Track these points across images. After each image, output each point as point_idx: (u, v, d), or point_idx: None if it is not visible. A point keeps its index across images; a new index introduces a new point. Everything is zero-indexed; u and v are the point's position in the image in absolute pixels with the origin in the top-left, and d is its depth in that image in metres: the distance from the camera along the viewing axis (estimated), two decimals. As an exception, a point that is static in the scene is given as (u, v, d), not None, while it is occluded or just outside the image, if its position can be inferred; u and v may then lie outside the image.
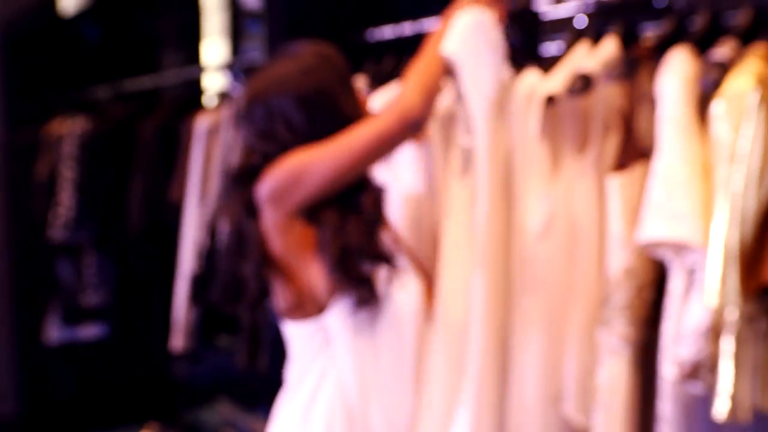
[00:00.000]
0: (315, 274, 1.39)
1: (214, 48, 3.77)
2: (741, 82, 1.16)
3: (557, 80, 1.43)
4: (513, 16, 1.55)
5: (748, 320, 1.17)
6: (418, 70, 1.39)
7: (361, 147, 1.35)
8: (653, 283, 1.32)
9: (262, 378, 2.32)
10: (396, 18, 2.10)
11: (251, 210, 1.39)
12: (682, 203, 1.15)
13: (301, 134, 1.38)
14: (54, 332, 3.55)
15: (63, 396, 4.08)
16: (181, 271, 2.56)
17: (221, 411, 3.56)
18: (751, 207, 1.14)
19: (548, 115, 1.44)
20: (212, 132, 2.51)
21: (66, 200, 3.16)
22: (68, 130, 3.21)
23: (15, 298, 3.98)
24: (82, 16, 3.63)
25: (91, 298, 3.27)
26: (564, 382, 1.41)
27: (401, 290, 1.41)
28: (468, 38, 1.39)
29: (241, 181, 1.42)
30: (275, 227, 1.38)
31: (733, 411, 1.19)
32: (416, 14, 2.03)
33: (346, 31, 2.18)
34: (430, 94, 1.36)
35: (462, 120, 1.46)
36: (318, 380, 1.42)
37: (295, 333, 1.46)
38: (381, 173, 1.55)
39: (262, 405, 2.29)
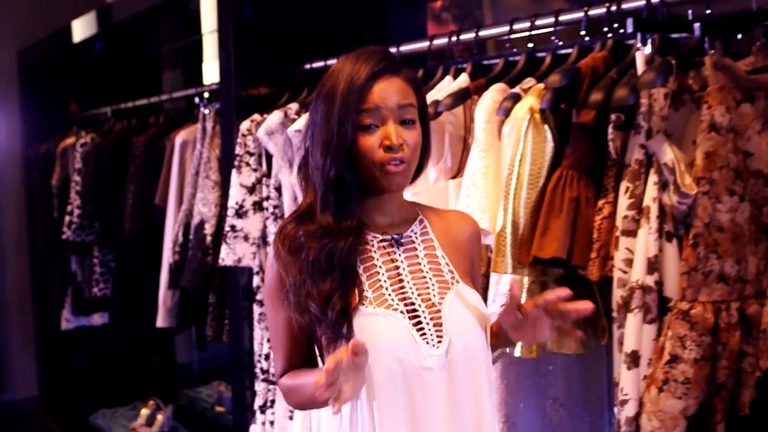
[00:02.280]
0: None
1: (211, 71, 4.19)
2: (520, 110, 1.59)
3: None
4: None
5: (531, 283, 1.60)
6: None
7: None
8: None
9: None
10: (334, 52, 2.53)
11: None
12: (477, 201, 1.59)
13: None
14: (67, 321, 4.05)
15: (76, 378, 4.59)
16: (163, 263, 3.03)
17: (215, 391, 3.99)
18: (526, 203, 1.57)
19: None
20: (187, 146, 2.98)
21: (75, 204, 3.66)
22: (76, 143, 3.72)
23: (34, 291, 4.52)
24: (91, 43, 4.07)
25: (98, 289, 3.74)
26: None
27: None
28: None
29: None
30: None
31: (526, 350, 1.62)
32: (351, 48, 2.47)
33: (289, 63, 2.64)
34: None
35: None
36: None
37: None
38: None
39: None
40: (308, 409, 1.32)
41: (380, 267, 1.28)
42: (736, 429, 1.47)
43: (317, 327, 1.24)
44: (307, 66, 2.59)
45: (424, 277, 1.29)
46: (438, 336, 1.23)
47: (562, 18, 1.76)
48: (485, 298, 1.64)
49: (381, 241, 1.30)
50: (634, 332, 1.46)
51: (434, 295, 1.26)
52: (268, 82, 2.67)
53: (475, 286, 1.35)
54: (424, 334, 1.23)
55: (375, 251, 1.29)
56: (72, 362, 4.60)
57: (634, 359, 1.46)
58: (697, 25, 1.39)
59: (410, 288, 1.27)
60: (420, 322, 1.24)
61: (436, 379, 1.22)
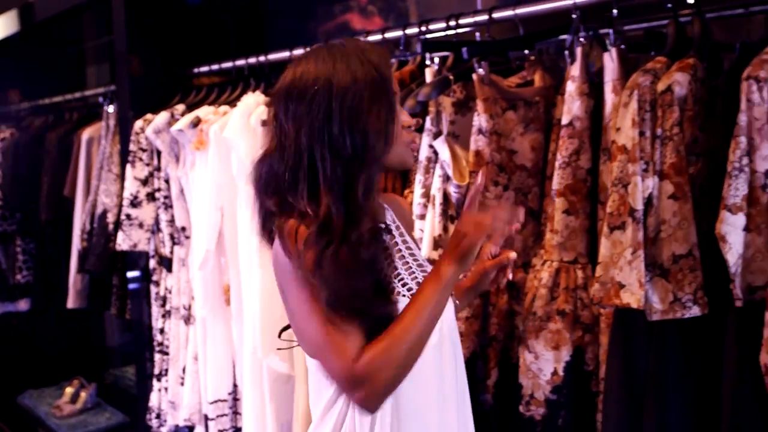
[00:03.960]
0: None
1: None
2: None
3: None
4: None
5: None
6: (412, 317, 1.16)
7: (310, 339, 1.20)
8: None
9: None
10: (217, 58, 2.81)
11: None
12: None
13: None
14: (-5, 307, 4.27)
15: (6, 361, 4.79)
16: (73, 249, 3.30)
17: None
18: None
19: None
20: (92, 142, 3.25)
21: (-3, 196, 3.90)
22: (-3, 139, 3.95)
23: (-38, 280, 4.71)
24: (16, 39, 4.25)
25: (21, 276, 3.98)
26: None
27: None
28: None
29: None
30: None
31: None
32: (237, 54, 2.75)
33: (178, 66, 2.92)
34: (408, 362, 1.15)
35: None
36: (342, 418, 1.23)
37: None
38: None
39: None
40: (424, 343, 1.15)
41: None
42: (509, 373, 1.82)
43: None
44: (196, 70, 2.88)
45: (417, 259, 1.31)
46: None
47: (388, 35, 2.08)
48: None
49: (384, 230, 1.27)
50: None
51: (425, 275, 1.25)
52: (161, 84, 2.94)
53: None
54: None
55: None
56: (2, 347, 4.79)
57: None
58: (464, 48, 1.72)
59: (417, 270, 1.29)
60: None
61: (445, 350, 1.26)
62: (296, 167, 1.19)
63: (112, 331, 4.78)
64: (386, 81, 1.21)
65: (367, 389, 1.12)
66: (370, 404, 1.13)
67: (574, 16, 1.66)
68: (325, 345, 1.14)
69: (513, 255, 1.33)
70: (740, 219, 1.29)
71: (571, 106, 1.61)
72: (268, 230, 1.26)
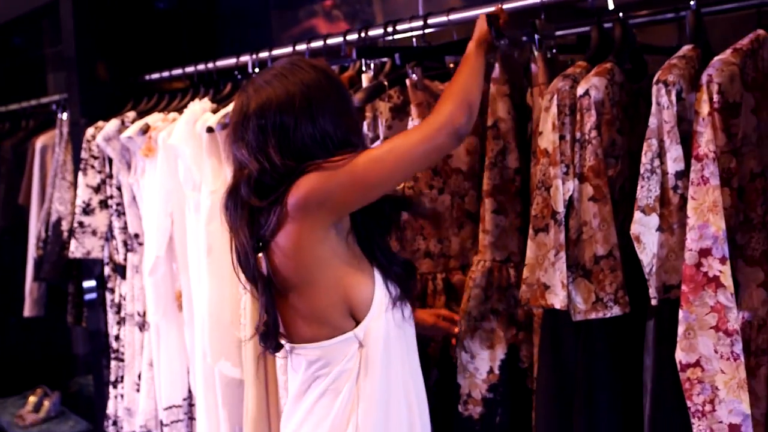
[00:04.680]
0: (357, 284, 1.39)
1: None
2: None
3: (216, 116, 2.19)
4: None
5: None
6: (459, 81, 1.46)
7: (409, 156, 1.37)
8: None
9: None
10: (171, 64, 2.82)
11: (256, 233, 1.39)
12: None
13: (296, 147, 1.36)
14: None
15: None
16: (28, 257, 3.29)
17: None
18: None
19: (213, 139, 2.20)
20: (47, 150, 3.23)
21: (-47, 206, 3.86)
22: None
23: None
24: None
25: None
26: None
27: None
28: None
29: (238, 196, 1.40)
30: (304, 239, 1.35)
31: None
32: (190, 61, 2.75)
33: (130, 73, 2.93)
34: (472, 105, 1.43)
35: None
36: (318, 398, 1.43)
37: (313, 353, 1.42)
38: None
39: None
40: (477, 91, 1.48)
41: None
42: (450, 373, 1.84)
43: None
44: (147, 77, 2.88)
45: None
46: None
47: (330, 41, 2.10)
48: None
49: None
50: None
51: None
52: (113, 91, 2.94)
53: None
54: None
55: None
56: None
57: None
58: (397, 54, 1.75)
59: None
60: None
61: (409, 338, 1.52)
62: (277, 169, 1.36)
63: (77, 339, 4.77)
64: (334, 79, 1.44)
65: (463, 130, 1.41)
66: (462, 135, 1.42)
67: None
68: (428, 139, 1.39)
69: (456, 330, 1.72)
70: (653, 219, 1.32)
71: (495, 108, 1.64)
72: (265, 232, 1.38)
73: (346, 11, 3.09)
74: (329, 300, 1.39)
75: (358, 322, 1.40)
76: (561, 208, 1.42)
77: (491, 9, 1.64)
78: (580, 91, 1.42)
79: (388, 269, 1.44)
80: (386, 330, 1.41)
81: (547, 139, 1.44)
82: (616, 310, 1.42)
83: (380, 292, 1.41)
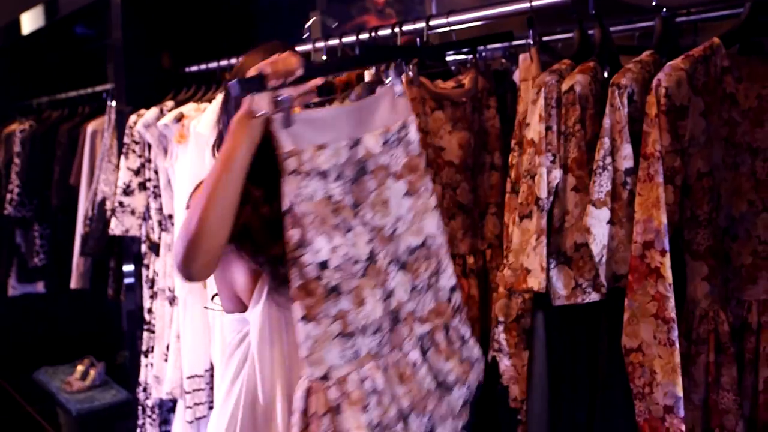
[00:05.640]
0: (236, 269, 1.43)
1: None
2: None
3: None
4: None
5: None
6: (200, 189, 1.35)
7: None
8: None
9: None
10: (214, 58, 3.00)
11: None
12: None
13: None
14: (14, 288, 4.54)
15: (23, 339, 5.07)
16: (77, 233, 3.54)
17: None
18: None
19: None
20: (96, 134, 3.48)
21: (15, 184, 4.15)
22: (17, 129, 4.21)
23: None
24: (38, 36, 4.53)
25: (38, 260, 4.24)
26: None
27: None
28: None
29: None
30: None
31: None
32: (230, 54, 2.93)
33: (172, 65, 3.13)
34: (193, 237, 1.25)
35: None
36: (240, 364, 1.48)
37: (229, 322, 1.51)
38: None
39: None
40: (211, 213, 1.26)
41: None
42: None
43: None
44: (186, 69, 3.08)
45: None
46: None
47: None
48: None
49: None
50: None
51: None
52: (156, 82, 3.15)
53: None
54: None
55: None
56: (23, 326, 5.06)
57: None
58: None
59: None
60: None
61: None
62: None
63: (123, 314, 5.04)
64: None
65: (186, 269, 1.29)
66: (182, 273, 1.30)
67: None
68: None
69: None
70: (604, 213, 1.42)
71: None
72: None
73: (399, 9, 3.18)
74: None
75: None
76: (544, 195, 1.50)
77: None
78: (565, 86, 1.50)
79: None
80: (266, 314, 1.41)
81: (534, 129, 1.54)
82: (594, 296, 1.49)
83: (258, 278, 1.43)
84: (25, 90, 4.85)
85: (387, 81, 1.46)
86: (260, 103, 1.24)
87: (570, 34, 1.92)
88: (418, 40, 2.09)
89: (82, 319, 4.89)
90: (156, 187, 2.93)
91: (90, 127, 3.49)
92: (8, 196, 4.16)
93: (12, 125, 4.45)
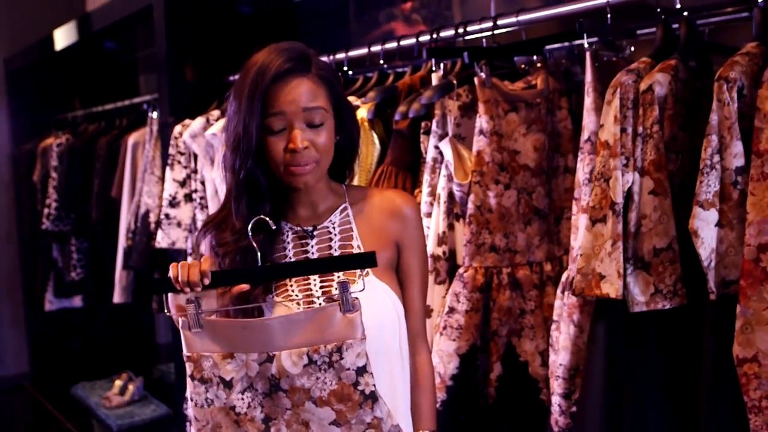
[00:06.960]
0: None
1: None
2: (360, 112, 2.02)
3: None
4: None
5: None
6: None
7: None
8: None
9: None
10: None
11: None
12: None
13: None
14: (50, 303, 4.51)
15: (64, 355, 5.05)
16: (119, 246, 3.49)
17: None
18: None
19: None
20: (138, 146, 3.43)
21: (53, 198, 4.12)
22: (53, 143, 4.18)
23: (23, 276, 5.00)
24: (72, 51, 4.52)
25: (75, 274, 4.20)
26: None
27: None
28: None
29: None
30: None
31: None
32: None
33: (215, 74, 3.08)
34: None
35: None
36: None
37: None
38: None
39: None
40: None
41: (290, 259, 1.31)
42: (514, 371, 1.88)
43: None
44: (231, 78, 3.03)
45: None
46: None
47: (403, 43, 2.18)
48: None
49: (295, 233, 1.33)
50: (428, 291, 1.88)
51: (335, 288, 1.19)
52: (199, 92, 3.10)
53: (406, 271, 1.37)
54: None
55: (288, 243, 1.33)
56: (60, 341, 5.04)
57: (427, 312, 1.88)
58: (465, 53, 1.81)
59: (314, 280, 1.29)
60: None
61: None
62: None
63: (159, 328, 5.01)
64: (242, 96, 1.24)
65: None
66: None
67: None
68: None
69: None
70: (712, 215, 1.34)
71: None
72: None
73: (426, 15, 3.11)
74: None
75: None
76: (620, 199, 1.44)
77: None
78: (643, 86, 1.44)
79: None
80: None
81: (608, 131, 1.47)
82: (675, 302, 1.44)
83: None
84: (60, 104, 4.84)
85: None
86: (173, 301, 1.25)
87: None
88: (484, 41, 2.02)
89: (118, 333, 4.85)
90: (203, 198, 2.88)
91: (131, 139, 3.45)
92: (45, 210, 4.13)
93: (48, 139, 4.43)
